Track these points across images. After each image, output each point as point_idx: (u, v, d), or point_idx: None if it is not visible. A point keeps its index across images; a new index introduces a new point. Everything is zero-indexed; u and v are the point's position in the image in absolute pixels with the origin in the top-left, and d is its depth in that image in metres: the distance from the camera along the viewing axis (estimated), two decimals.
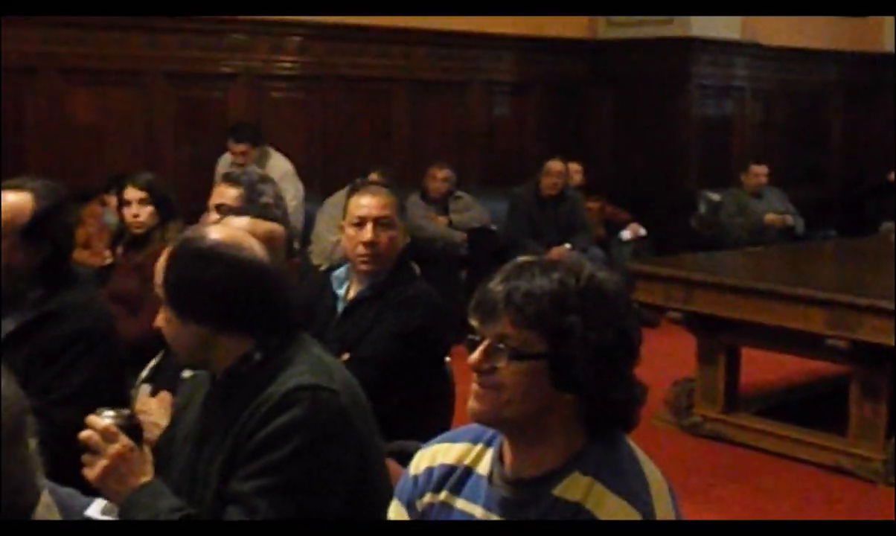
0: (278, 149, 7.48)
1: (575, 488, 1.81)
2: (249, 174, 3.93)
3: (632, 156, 9.80)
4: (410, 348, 3.27)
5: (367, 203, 3.45)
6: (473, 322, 1.87)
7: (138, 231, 4.78)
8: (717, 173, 9.67)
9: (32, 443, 1.40)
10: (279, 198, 3.89)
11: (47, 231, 3.15)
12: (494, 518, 1.86)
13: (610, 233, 9.01)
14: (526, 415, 1.83)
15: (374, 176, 7.49)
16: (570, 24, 9.65)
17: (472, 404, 1.85)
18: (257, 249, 2.31)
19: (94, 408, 2.82)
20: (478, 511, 1.89)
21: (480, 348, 1.84)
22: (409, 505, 1.97)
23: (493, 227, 8.27)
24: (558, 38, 9.63)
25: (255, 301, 2.24)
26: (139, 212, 4.82)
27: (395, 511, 2.00)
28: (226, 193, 3.83)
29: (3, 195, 3.18)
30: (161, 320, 2.31)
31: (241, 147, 7.14)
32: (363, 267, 3.42)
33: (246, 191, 3.81)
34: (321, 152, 8.45)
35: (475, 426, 1.99)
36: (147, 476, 2.19)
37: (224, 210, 3.81)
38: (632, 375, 1.87)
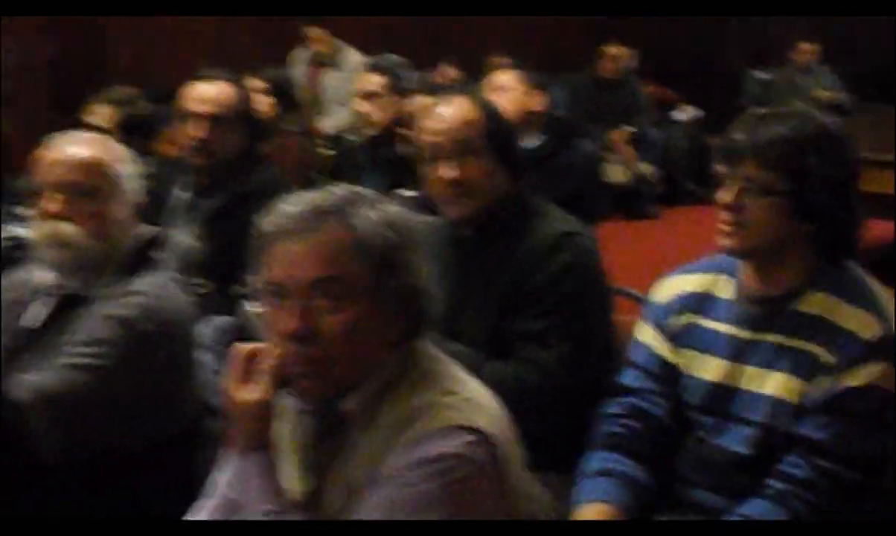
0: None
1: (813, 302, 2.13)
2: (390, 60, 4.21)
3: (676, 39, 9.98)
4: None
5: None
6: (720, 168, 2.18)
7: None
8: (759, 53, 9.85)
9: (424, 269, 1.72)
10: (420, 83, 4.16)
11: (252, 116, 3.45)
12: (743, 332, 2.19)
13: (662, 115, 9.25)
14: (770, 244, 2.14)
15: (445, 67, 7.76)
16: None
17: (724, 240, 2.16)
18: None
19: None
20: (726, 328, 2.21)
21: (730, 189, 2.14)
22: (659, 327, 2.30)
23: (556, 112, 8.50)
24: None
25: None
26: (259, 102, 5.09)
27: (646, 333, 2.32)
28: (371, 81, 4.11)
29: (207, 87, 3.45)
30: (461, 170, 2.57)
31: (317, 32, 7.36)
32: None
33: (390, 77, 4.09)
34: (380, 45, 8.60)
35: (707, 259, 2.32)
36: None
37: (371, 96, 4.11)
38: (857, 202, 2.18)
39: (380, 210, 1.66)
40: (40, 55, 7.13)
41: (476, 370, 2.33)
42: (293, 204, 1.66)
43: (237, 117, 3.43)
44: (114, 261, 2.29)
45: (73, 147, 2.32)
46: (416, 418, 1.61)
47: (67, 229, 2.25)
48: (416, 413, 1.62)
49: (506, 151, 2.61)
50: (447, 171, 2.55)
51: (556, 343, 2.41)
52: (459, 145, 2.56)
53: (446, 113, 2.60)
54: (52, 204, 2.26)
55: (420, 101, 3.41)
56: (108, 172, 2.31)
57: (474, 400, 1.66)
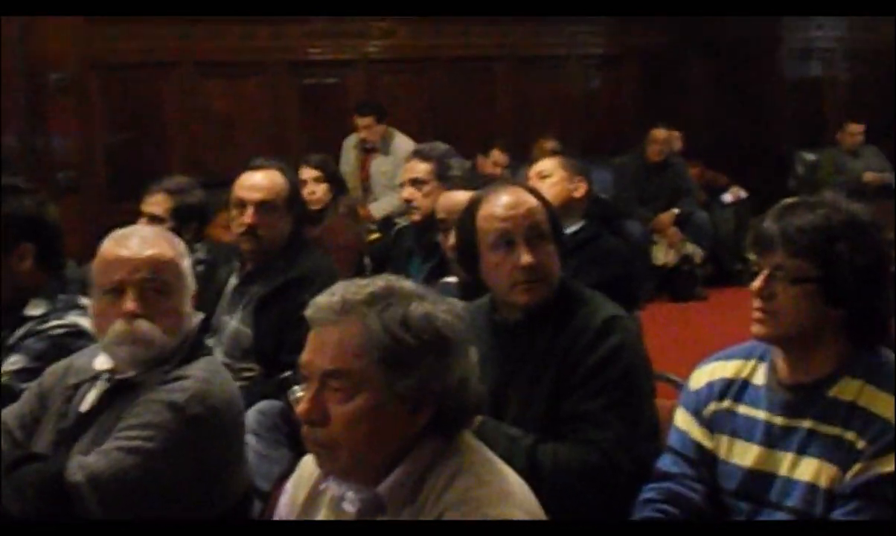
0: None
1: (848, 390, 2.16)
2: (437, 148, 4.30)
3: (725, 121, 10.05)
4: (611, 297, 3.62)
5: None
6: (751, 256, 2.23)
7: (315, 208, 5.19)
8: (811, 134, 9.90)
9: (473, 353, 1.77)
10: (467, 170, 4.25)
11: (300, 202, 3.56)
12: (777, 419, 2.22)
13: (711, 197, 9.29)
14: (802, 330, 2.18)
15: (495, 152, 7.89)
16: None
17: (756, 327, 2.21)
18: None
19: None
20: (761, 414, 2.25)
21: (761, 276, 2.19)
22: (696, 413, 2.34)
23: (602, 195, 8.58)
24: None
25: None
26: (315, 189, 5.24)
27: (683, 419, 2.36)
28: (417, 168, 4.20)
29: (256, 175, 3.58)
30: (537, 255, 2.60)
31: (365, 121, 7.53)
32: None
33: (436, 165, 4.18)
34: (432, 131, 8.78)
35: (743, 345, 2.36)
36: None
37: (417, 183, 4.21)
38: (889, 288, 2.21)
39: (406, 308, 1.71)
40: (100, 145, 7.35)
41: (531, 452, 2.40)
42: (330, 294, 1.74)
43: (284, 204, 3.54)
44: (168, 347, 2.38)
45: (145, 245, 2.40)
46: (451, 511, 1.65)
47: (145, 326, 2.33)
48: (451, 506, 1.66)
49: (559, 238, 2.68)
50: (525, 256, 2.56)
51: (614, 424, 2.44)
52: (534, 231, 2.60)
53: (514, 200, 2.64)
54: (130, 303, 2.33)
55: (456, 195, 3.46)
56: (178, 268, 2.41)
57: (508, 491, 1.70)
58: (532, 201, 2.66)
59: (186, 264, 2.45)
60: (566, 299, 2.61)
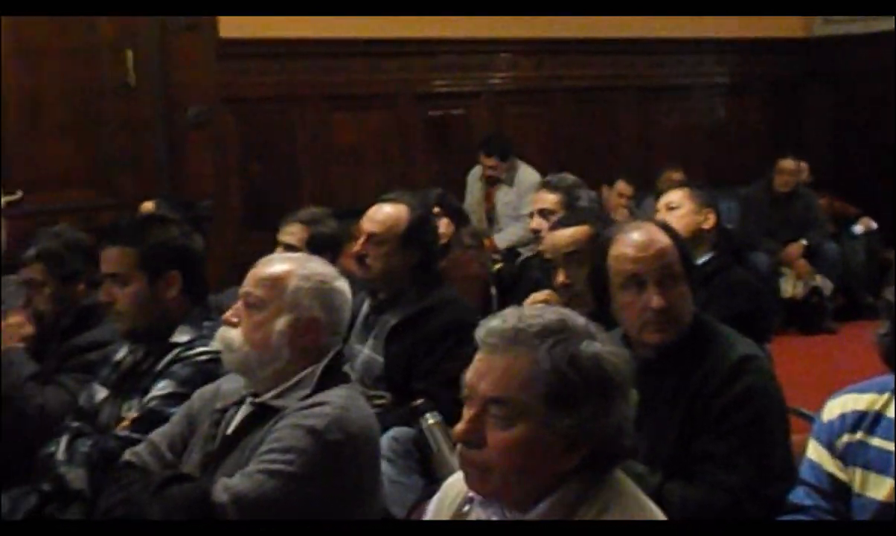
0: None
1: None
2: (565, 179, 4.35)
3: (853, 151, 9.86)
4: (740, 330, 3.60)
5: None
6: None
7: (441, 242, 5.28)
8: None
9: (634, 397, 1.80)
10: (594, 201, 4.29)
11: (421, 238, 3.64)
12: None
13: (840, 228, 9.12)
14: None
15: (620, 183, 7.89)
16: (785, 24, 9.79)
17: None
18: None
19: None
20: (894, 447, 2.23)
21: None
22: (829, 446, 2.33)
23: (728, 226, 8.50)
24: (774, 39, 9.79)
25: None
26: (437, 225, 5.32)
27: (816, 451, 2.35)
28: (546, 199, 4.27)
29: (382, 207, 3.69)
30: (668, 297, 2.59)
31: (490, 161, 7.62)
32: None
33: (564, 195, 4.24)
34: (556, 162, 8.83)
35: (876, 379, 2.35)
36: None
37: (546, 214, 4.26)
38: None
39: (576, 347, 1.72)
40: (234, 176, 7.56)
41: (658, 491, 2.40)
42: (502, 319, 1.77)
43: (397, 239, 3.62)
44: (306, 373, 2.47)
45: (267, 264, 2.56)
46: None
47: (231, 334, 2.49)
48: None
49: (691, 274, 2.67)
50: (656, 299, 2.56)
51: (743, 467, 2.44)
52: (666, 272, 2.59)
53: (645, 240, 2.62)
54: (231, 313, 2.52)
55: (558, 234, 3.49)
56: (282, 287, 2.49)
57: None
58: (664, 240, 2.63)
59: (305, 285, 2.50)
60: (699, 337, 2.60)
